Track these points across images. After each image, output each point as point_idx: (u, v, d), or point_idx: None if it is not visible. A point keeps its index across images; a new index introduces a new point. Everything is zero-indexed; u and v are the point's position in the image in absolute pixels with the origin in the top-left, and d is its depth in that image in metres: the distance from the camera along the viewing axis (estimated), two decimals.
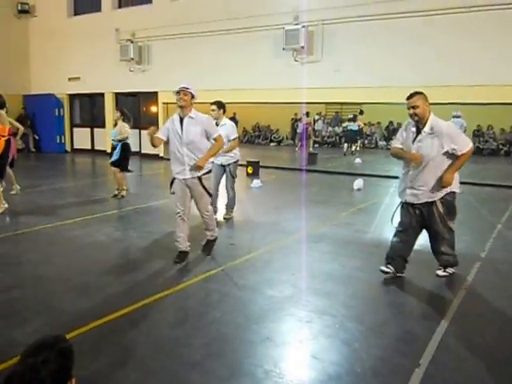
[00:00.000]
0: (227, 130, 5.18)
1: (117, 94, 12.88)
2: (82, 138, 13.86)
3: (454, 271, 3.70)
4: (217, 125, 4.93)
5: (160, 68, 11.67)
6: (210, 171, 4.07)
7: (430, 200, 3.47)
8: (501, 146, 14.81)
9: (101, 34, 12.39)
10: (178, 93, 3.80)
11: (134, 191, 7.48)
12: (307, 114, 14.81)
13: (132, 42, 11.74)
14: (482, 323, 2.96)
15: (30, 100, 13.70)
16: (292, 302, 3.18)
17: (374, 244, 4.63)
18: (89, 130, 13.79)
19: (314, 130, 16.15)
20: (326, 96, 10.08)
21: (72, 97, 13.83)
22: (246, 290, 3.40)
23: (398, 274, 3.65)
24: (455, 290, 3.45)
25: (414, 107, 3.36)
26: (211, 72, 10.51)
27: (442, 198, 3.46)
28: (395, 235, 3.70)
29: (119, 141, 6.69)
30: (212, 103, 5.29)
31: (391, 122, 16.84)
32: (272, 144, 18.29)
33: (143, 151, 12.33)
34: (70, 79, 13.25)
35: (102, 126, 12.95)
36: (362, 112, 14.69)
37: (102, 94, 12.97)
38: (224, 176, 5.53)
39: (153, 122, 12.20)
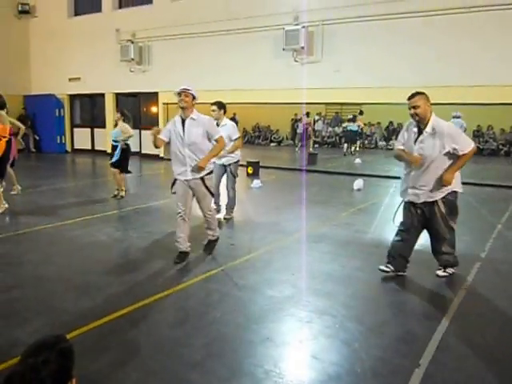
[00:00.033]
0: (228, 130, 5.19)
1: (117, 95, 12.89)
2: (82, 138, 13.88)
3: (454, 271, 3.70)
4: (217, 125, 4.93)
5: (160, 68, 11.68)
6: (211, 172, 4.11)
7: (432, 199, 3.48)
8: (501, 147, 14.81)
9: (101, 35, 12.40)
10: (179, 94, 3.82)
11: (134, 191, 7.49)
12: (307, 115, 14.82)
13: (132, 42, 11.76)
14: (482, 323, 2.97)
15: (31, 100, 13.71)
16: (292, 302, 3.18)
17: (373, 244, 4.63)
18: (89, 130, 13.80)
19: (313, 130, 16.15)
20: (325, 96, 10.09)
21: (72, 97, 13.84)
22: (246, 290, 3.41)
23: (399, 273, 3.67)
24: (455, 290, 3.45)
25: (414, 107, 3.38)
26: (211, 72, 10.52)
27: (443, 197, 3.47)
28: (397, 234, 3.72)
29: (123, 140, 6.72)
30: (212, 104, 5.30)
31: (391, 123, 16.84)
32: (272, 144, 18.30)
33: (143, 151, 12.35)
34: (70, 79, 13.27)
35: (103, 126, 12.97)
36: (361, 112, 14.69)
37: (103, 95, 12.98)
38: (224, 176, 5.54)
39: (153, 122, 12.21)
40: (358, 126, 14.23)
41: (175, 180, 3.99)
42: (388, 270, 3.66)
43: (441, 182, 3.42)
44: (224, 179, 5.58)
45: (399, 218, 3.71)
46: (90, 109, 14.00)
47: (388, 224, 5.42)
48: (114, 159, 6.78)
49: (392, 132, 16.73)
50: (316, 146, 16.26)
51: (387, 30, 8.72)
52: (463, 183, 3.67)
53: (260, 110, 15.60)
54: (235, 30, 10.26)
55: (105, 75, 12.55)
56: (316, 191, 7.85)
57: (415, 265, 3.97)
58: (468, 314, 3.09)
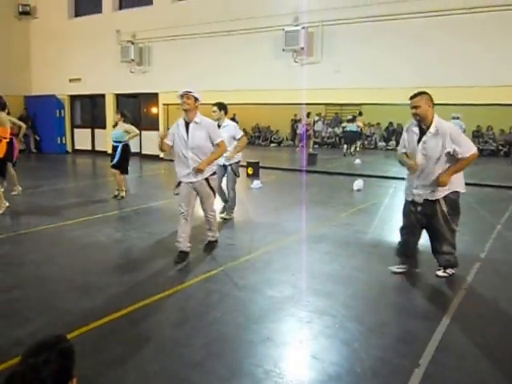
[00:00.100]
0: (230, 130, 5.21)
1: (117, 95, 12.90)
2: (82, 138, 13.89)
3: (454, 272, 3.70)
4: (219, 126, 4.96)
5: (160, 69, 11.69)
6: (215, 172, 4.20)
7: (434, 198, 3.50)
8: (500, 147, 14.81)
9: (101, 36, 12.42)
10: (181, 97, 3.88)
11: (135, 192, 7.50)
12: (308, 115, 14.82)
13: (133, 43, 11.77)
14: (482, 323, 2.97)
15: (31, 101, 13.73)
16: (292, 303, 3.19)
17: (373, 244, 4.63)
18: (89, 131, 13.82)
19: (314, 130, 16.16)
20: (325, 97, 10.09)
21: (73, 98, 13.86)
22: (246, 290, 3.41)
23: (414, 270, 3.78)
24: (455, 291, 3.45)
25: (415, 107, 3.41)
26: (211, 73, 10.53)
27: (445, 196, 3.48)
28: (401, 235, 3.77)
29: (127, 140, 6.75)
30: (213, 104, 5.31)
31: (391, 123, 16.84)
32: (272, 145, 18.31)
33: (143, 152, 12.36)
34: (70, 80, 13.28)
35: (103, 126, 12.98)
36: (361, 113, 14.70)
37: (103, 95, 13.00)
38: (225, 176, 5.56)
39: (153, 123, 12.25)
40: (358, 127, 14.23)
41: (180, 182, 4.04)
42: (401, 270, 3.74)
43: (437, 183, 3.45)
44: (224, 179, 5.59)
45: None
46: (90, 109, 14.02)
47: (388, 224, 5.43)
48: (114, 161, 6.80)
49: (392, 133, 16.73)
50: (316, 146, 16.27)
51: (387, 30, 8.73)
52: None
53: (260, 110, 15.61)
54: (235, 30, 10.28)
55: (105, 76, 12.57)
56: (316, 192, 7.86)
57: (415, 264, 3.98)
58: (468, 314, 3.10)
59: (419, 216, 3.61)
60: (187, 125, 3.93)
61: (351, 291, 3.42)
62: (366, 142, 16.85)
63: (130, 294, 3.29)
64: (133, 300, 3.15)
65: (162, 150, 4.09)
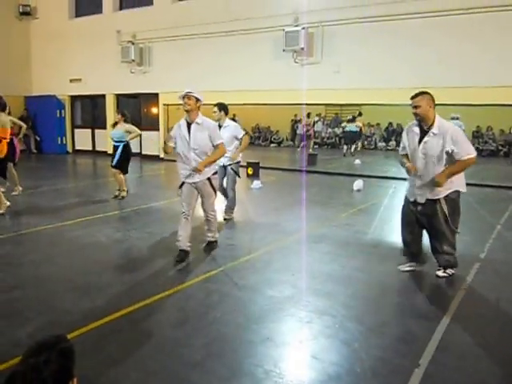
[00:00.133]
0: (231, 130, 5.24)
1: (118, 96, 12.91)
2: (83, 139, 13.90)
3: (454, 272, 3.71)
4: (220, 126, 4.98)
5: (161, 69, 11.70)
6: (216, 172, 4.25)
7: (435, 198, 3.51)
8: (500, 147, 14.81)
9: (102, 36, 12.43)
10: (182, 97, 3.92)
11: (135, 192, 7.50)
12: (308, 115, 14.82)
13: (133, 43, 11.78)
14: (482, 323, 2.98)
15: (32, 101, 13.74)
16: (292, 303, 3.19)
17: (373, 245, 4.64)
18: (90, 131, 13.83)
19: (314, 131, 16.17)
20: (325, 97, 10.10)
21: (73, 98, 13.87)
22: (246, 290, 3.41)
23: (423, 265, 3.82)
24: (455, 291, 3.46)
25: (416, 107, 3.44)
26: (212, 73, 10.53)
27: (446, 196, 3.50)
28: (402, 236, 3.81)
29: (129, 140, 6.77)
30: (214, 105, 5.33)
31: (390, 123, 16.85)
32: (272, 145, 18.32)
33: (144, 152, 12.37)
34: (71, 81, 13.30)
35: (103, 127, 12.98)
36: (360, 114, 14.70)
37: (103, 96, 13.01)
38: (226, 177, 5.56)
39: (154, 123, 12.25)
40: (357, 127, 14.23)
41: (183, 183, 4.06)
42: (409, 268, 3.78)
43: (433, 183, 3.45)
44: (225, 180, 5.60)
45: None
46: (90, 110, 14.03)
47: (388, 224, 5.44)
48: (114, 161, 6.80)
49: (391, 133, 16.74)
50: (316, 146, 16.28)
51: (387, 31, 8.74)
52: None
53: (260, 110, 15.62)
54: (235, 31, 10.29)
55: (105, 76, 12.58)
56: (316, 192, 7.86)
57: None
58: (468, 314, 3.10)
59: (419, 216, 3.63)
60: (189, 125, 3.97)
61: (351, 291, 3.42)
62: (365, 143, 16.86)
63: (130, 294, 3.29)
64: (133, 300, 3.16)
65: (166, 152, 4.17)
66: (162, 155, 11.80)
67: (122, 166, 6.84)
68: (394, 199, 6.93)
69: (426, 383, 2.27)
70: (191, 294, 3.35)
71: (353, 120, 14.21)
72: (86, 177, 10.31)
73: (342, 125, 15.06)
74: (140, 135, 7.20)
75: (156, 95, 12.04)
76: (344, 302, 3.20)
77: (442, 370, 2.38)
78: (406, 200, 3.74)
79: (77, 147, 14.09)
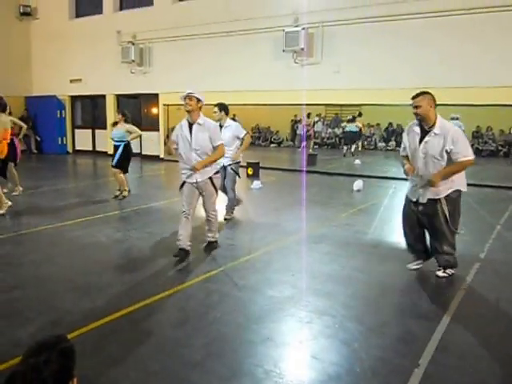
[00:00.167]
0: (232, 130, 5.26)
1: (118, 96, 12.91)
2: (83, 139, 13.91)
3: (454, 272, 3.71)
4: (221, 126, 5.00)
5: (161, 70, 11.71)
6: (218, 171, 4.32)
7: (437, 197, 3.52)
8: (500, 148, 14.81)
9: (102, 36, 12.43)
10: (184, 99, 3.95)
11: (135, 192, 7.49)
12: (308, 116, 14.82)
13: (133, 44, 11.78)
14: (482, 323, 2.98)
15: (32, 101, 13.74)
16: (292, 303, 3.20)
17: (373, 245, 4.64)
18: (90, 131, 13.84)
19: (314, 131, 16.17)
20: (325, 98, 10.10)
21: (74, 98, 13.87)
22: (246, 290, 3.42)
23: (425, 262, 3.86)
24: (454, 291, 3.46)
25: (416, 107, 3.46)
26: (212, 74, 10.54)
27: (447, 195, 3.50)
28: (405, 234, 3.83)
29: (130, 140, 6.77)
30: (214, 105, 5.35)
31: (390, 124, 16.84)
32: (272, 145, 18.32)
33: (144, 153, 12.37)
34: (71, 81, 13.30)
35: (104, 127, 12.99)
36: (360, 114, 14.69)
37: (104, 96, 13.01)
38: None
39: (154, 123, 12.26)
40: (357, 127, 14.24)
41: (184, 182, 4.10)
42: (418, 266, 3.82)
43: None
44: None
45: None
46: (91, 110, 14.04)
47: (388, 225, 5.44)
48: (114, 160, 6.80)
49: (391, 133, 16.73)
50: (316, 147, 16.28)
51: (388, 31, 8.74)
52: None
53: (260, 111, 15.62)
54: (235, 31, 10.29)
55: (106, 77, 12.58)
56: (316, 192, 7.86)
57: None
58: (468, 314, 3.10)
59: (420, 216, 3.64)
60: (191, 126, 4.00)
61: (351, 291, 3.42)
62: (365, 143, 16.86)
63: (131, 294, 3.29)
64: (133, 300, 3.16)
65: (169, 153, 4.29)
66: (162, 155, 11.81)
67: (123, 166, 6.84)
68: (393, 199, 6.94)
69: (426, 383, 2.27)
70: (191, 294, 3.35)
71: (353, 120, 14.22)
72: (86, 177, 10.31)
73: (342, 125, 15.06)
74: (140, 136, 7.21)
75: (156, 95, 12.04)
76: (344, 302, 3.21)
77: (442, 370, 2.38)
78: (407, 200, 3.76)
79: (77, 147, 14.09)
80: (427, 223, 3.64)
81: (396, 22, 8.59)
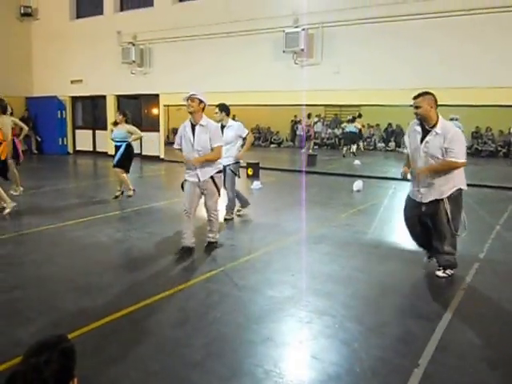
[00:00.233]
0: (235, 129, 5.30)
1: (118, 97, 12.93)
2: (84, 139, 13.92)
3: (453, 272, 3.72)
4: (223, 126, 5.01)
5: (161, 70, 11.72)
6: (221, 171, 4.29)
7: (439, 197, 3.53)
8: (499, 148, 14.80)
9: (103, 37, 12.45)
10: (186, 100, 4.00)
11: (136, 192, 7.50)
12: (308, 116, 14.82)
13: (134, 44, 11.79)
14: (481, 323, 2.98)
15: (33, 102, 13.76)
16: (292, 303, 3.20)
17: (373, 245, 4.64)
18: (91, 132, 13.85)
19: (313, 132, 16.17)
20: (325, 98, 10.10)
21: (74, 99, 13.89)
22: (246, 290, 3.42)
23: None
24: (454, 291, 3.46)
25: (417, 107, 3.50)
26: (212, 74, 10.55)
27: (449, 196, 3.52)
28: (409, 232, 3.87)
29: (131, 141, 6.77)
30: (215, 106, 5.37)
31: (390, 124, 16.84)
32: (272, 146, 18.33)
33: (144, 153, 12.38)
34: (72, 82, 13.31)
35: (104, 128, 12.99)
36: (360, 115, 14.69)
37: (104, 97, 13.03)
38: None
39: (154, 124, 12.27)
40: (356, 127, 14.24)
41: (185, 181, 4.15)
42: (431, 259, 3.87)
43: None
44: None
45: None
46: (91, 110, 14.05)
47: (387, 225, 5.44)
48: (115, 160, 6.81)
49: (391, 134, 16.72)
50: (315, 147, 16.28)
51: (386, 32, 8.74)
52: None
53: (260, 111, 15.60)
54: (236, 32, 10.30)
55: (106, 77, 12.60)
56: (315, 192, 7.87)
57: (414, 264, 3.99)
58: (467, 314, 3.11)
59: (422, 216, 3.66)
60: (193, 127, 4.05)
61: (351, 291, 3.43)
62: (365, 143, 16.86)
63: (131, 294, 3.30)
64: (133, 300, 3.17)
65: (181, 161, 4.30)
66: (163, 156, 11.81)
67: (124, 165, 6.84)
68: (393, 200, 6.94)
69: (426, 383, 2.27)
70: (192, 294, 3.36)
71: (352, 121, 14.22)
72: (86, 177, 10.32)
73: (342, 125, 15.06)
74: (141, 137, 7.21)
75: (156, 96, 12.05)
76: (344, 302, 3.21)
77: (442, 370, 2.38)
78: (408, 200, 3.77)
79: (77, 148, 14.11)
80: (430, 223, 3.66)
81: (396, 23, 8.60)
